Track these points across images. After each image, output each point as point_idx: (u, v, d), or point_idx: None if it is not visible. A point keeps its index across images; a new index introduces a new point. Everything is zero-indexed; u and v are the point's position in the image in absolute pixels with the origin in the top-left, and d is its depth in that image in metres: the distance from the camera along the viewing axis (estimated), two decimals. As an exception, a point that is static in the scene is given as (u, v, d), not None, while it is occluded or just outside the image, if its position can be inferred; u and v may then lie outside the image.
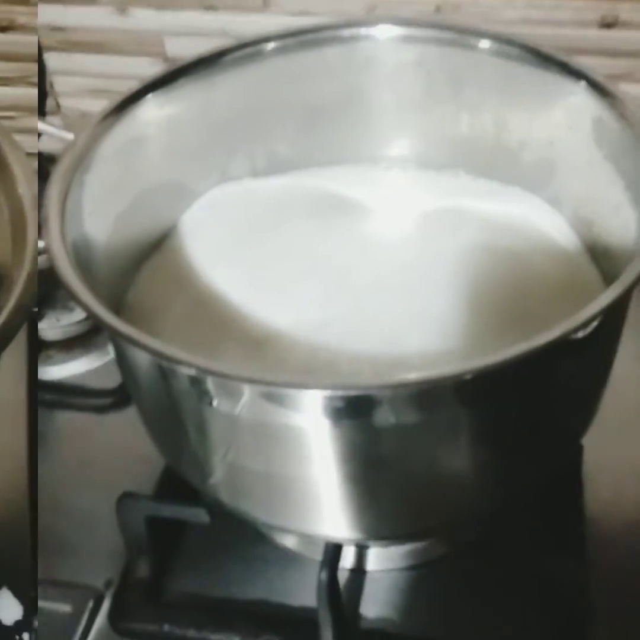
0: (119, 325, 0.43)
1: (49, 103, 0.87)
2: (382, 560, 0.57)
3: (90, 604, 0.57)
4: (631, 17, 0.72)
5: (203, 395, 0.44)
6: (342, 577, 0.56)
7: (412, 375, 0.41)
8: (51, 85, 0.86)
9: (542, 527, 0.57)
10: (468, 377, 0.40)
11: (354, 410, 0.42)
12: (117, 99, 0.56)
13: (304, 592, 0.56)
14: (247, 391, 0.42)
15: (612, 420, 0.59)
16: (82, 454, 0.66)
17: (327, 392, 0.41)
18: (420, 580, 0.57)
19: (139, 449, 0.57)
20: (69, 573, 0.59)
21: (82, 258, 0.49)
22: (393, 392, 0.41)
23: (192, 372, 0.41)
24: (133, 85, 0.58)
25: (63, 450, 0.66)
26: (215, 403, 0.44)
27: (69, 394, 0.69)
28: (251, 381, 0.41)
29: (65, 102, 0.87)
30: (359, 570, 0.58)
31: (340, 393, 0.41)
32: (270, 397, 0.42)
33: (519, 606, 0.55)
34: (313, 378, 0.42)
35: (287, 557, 0.58)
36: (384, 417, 0.43)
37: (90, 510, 0.61)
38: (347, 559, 0.57)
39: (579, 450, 0.59)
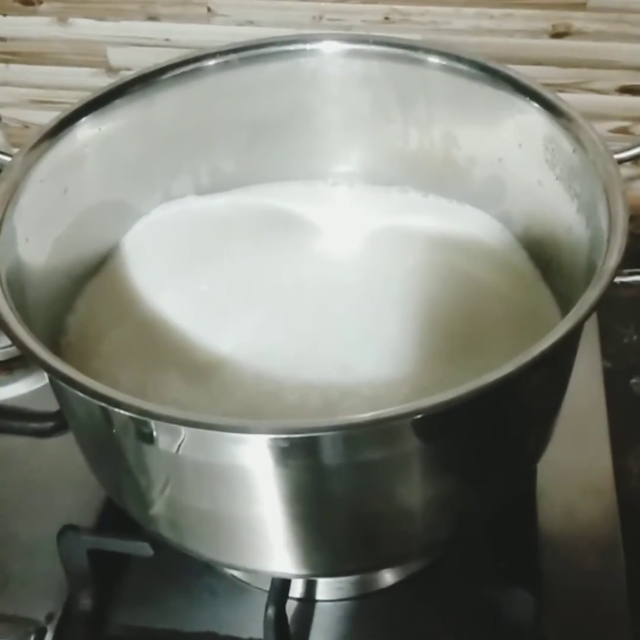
0: (53, 361, 0.41)
1: (-11, 114, 0.85)
2: (331, 589, 0.56)
3: (32, 638, 0.55)
4: (584, 26, 0.71)
5: (142, 434, 0.42)
6: (291, 606, 0.55)
7: (357, 417, 0.39)
8: (-9, 96, 0.84)
9: (494, 554, 0.56)
10: (418, 416, 0.39)
11: (298, 452, 0.41)
12: (52, 120, 0.54)
13: (252, 624, 0.54)
14: (187, 432, 0.40)
15: (565, 438, 0.58)
16: (23, 480, 0.63)
17: (268, 436, 0.39)
18: (370, 610, 0.56)
19: (81, 475, 0.55)
20: (9, 606, 0.57)
21: (17, 286, 0.47)
22: (338, 434, 0.40)
23: (129, 414, 0.39)
24: (78, 98, 0.56)
25: (3, 476, 0.64)
26: (154, 442, 0.42)
27: (9, 417, 0.67)
28: (190, 424, 0.39)
29: (6, 113, 0.85)
30: (308, 600, 0.56)
31: (282, 436, 0.39)
32: (210, 439, 0.41)
33: (470, 636, 0.54)
34: (254, 421, 0.40)
35: (235, 588, 0.57)
36: (329, 456, 0.41)
37: (31, 539, 0.60)
38: (296, 589, 0.56)
39: (532, 471, 0.58)
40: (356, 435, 0.41)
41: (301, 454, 0.41)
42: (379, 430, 0.41)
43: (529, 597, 0.53)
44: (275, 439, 0.40)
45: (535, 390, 0.47)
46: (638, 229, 0.76)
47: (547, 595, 0.55)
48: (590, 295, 0.42)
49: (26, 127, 0.85)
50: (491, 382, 0.40)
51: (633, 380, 0.68)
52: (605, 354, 0.68)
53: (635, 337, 0.71)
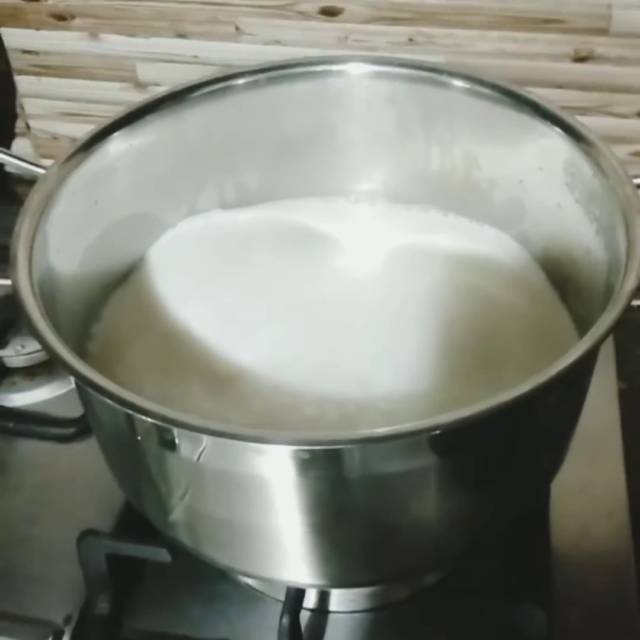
0: (81, 368, 0.43)
1: (19, 125, 0.87)
2: (344, 601, 0.57)
3: (49, 640, 0.56)
4: (606, 51, 0.72)
5: (164, 441, 0.43)
6: (304, 617, 0.56)
7: (377, 430, 0.40)
8: (22, 107, 0.86)
9: (508, 569, 0.57)
10: (436, 432, 0.40)
11: (318, 463, 0.42)
12: (86, 134, 0.55)
13: (266, 632, 0.55)
14: (209, 441, 0.41)
15: (579, 458, 0.59)
16: (43, 485, 0.64)
17: (289, 447, 0.40)
18: (383, 622, 0.56)
19: (101, 480, 0.56)
20: (27, 608, 0.58)
21: (48, 294, 0.49)
22: (359, 447, 0.41)
23: (154, 421, 0.40)
24: (106, 112, 0.57)
25: (24, 480, 0.65)
26: (176, 449, 0.43)
27: (31, 422, 0.68)
28: (214, 433, 0.40)
29: (35, 125, 0.86)
30: (321, 611, 0.57)
31: (303, 448, 0.40)
32: (232, 448, 0.42)
33: (482, 650, 0.55)
34: (275, 432, 0.41)
35: (249, 596, 0.57)
36: (349, 469, 0.42)
37: (51, 543, 0.60)
38: (310, 600, 0.56)
39: (546, 489, 0.59)
40: (375, 448, 0.42)
41: (320, 466, 0.42)
42: (398, 445, 0.42)
43: (541, 613, 0.54)
44: (296, 450, 0.40)
45: (551, 409, 0.48)
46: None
47: (558, 612, 0.55)
48: (608, 317, 0.43)
49: (55, 138, 0.87)
50: (509, 400, 0.40)
51: (649, 401, 0.68)
52: (621, 375, 0.69)
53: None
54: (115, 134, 0.56)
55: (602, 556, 0.59)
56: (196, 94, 0.58)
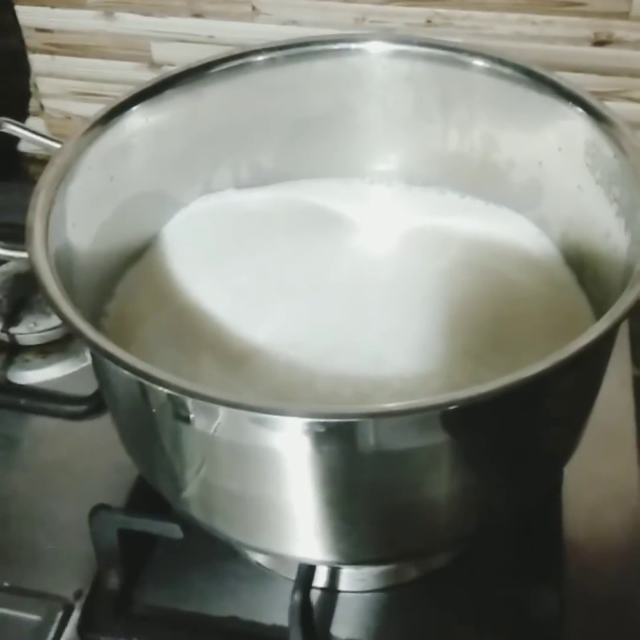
0: (99, 340, 0.43)
1: (33, 104, 0.87)
2: (354, 581, 0.57)
3: (60, 615, 0.56)
4: (625, 35, 0.72)
5: (180, 413, 0.43)
6: (314, 596, 0.56)
7: (393, 405, 0.40)
8: (35, 87, 0.85)
9: (518, 554, 0.56)
10: (452, 407, 0.40)
11: (333, 437, 0.42)
12: (103, 109, 0.55)
13: (276, 611, 0.55)
14: (224, 413, 0.41)
15: (592, 444, 0.59)
16: (56, 461, 0.65)
17: (305, 420, 0.40)
18: (393, 603, 0.56)
19: (113, 457, 0.57)
20: (39, 582, 0.58)
21: (64, 268, 0.48)
22: (374, 421, 0.41)
23: (170, 392, 0.40)
24: (120, 92, 0.57)
25: (36, 457, 0.65)
26: (191, 422, 0.43)
27: (44, 400, 0.68)
28: (229, 404, 0.40)
29: (49, 104, 0.86)
30: (331, 590, 0.57)
31: (318, 420, 0.40)
32: (247, 421, 0.42)
33: (491, 632, 0.55)
34: (291, 403, 0.41)
35: (260, 574, 0.57)
36: (363, 443, 0.42)
37: (62, 519, 0.61)
38: (320, 579, 0.56)
39: (559, 475, 0.59)
40: (389, 423, 0.42)
41: (335, 440, 0.42)
42: (412, 420, 0.42)
43: (551, 596, 0.53)
44: (311, 423, 0.40)
45: (567, 391, 0.47)
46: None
47: (569, 596, 0.55)
48: (627, 298, 0.43)
49: (68, 118, 0.87)
50: (525, 378, 0.40)
51: (663, 389, 0.68)
52: (636, 361, 0.69)
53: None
54: (133, 109, 0.56)
55: (613, 542, 0.59)
56: (214, 70, 0.58)
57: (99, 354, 0.42)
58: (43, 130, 0.87)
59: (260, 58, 0.59)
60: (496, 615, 0.55)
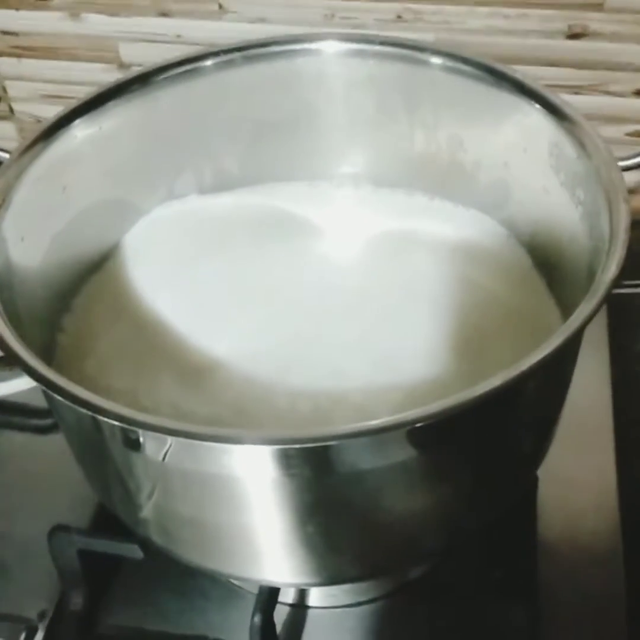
0: (39, 367, 0.41)
1: (2, 108, 0.85)
2: (324, 596, 0.55)
3: (23, 636, 0.55)
4: (600, 28, 0.70)
5: (129, 441, 0.42)
6: (282, 612, 0.55)
7: (341, 428, 0.39)
8: (4, 90, 0.84)
9: (492, 564, 0.56)
10: (406, 428, 0.39)
11: (281, 461, 0.40)
12: (51, 118, 0.54)
13: (244, 628, 0.53)
14: (172, 441, 0.40)
15: (569, 449, 0.57)
16: (20, 477, 0.63)
17: (248, 447, 0.39)
18: (364, 618, 0.55)
19: (78, 473, 0.55)
20: (1, 603, 0.57)
21: (6, 286, 0.47)
22: (321, 445, 0.39)
23: (114, 422, 0.39)
24: (88, 91, 0.56)
25: (1, 472, 0.64)
26: (141, 450, 0.42)
27: (8, 413, 0.67)
28: (173, 433, 0.38)
29: (18, 108, 0.84)
30: (300, 606, 0.56)
31: (264, 448, 0.39)
32: (195, 448, 0.40)
33: (464, 647, 0.54)
34: (235, 430, 0.39)
35: (227, 592, 0.56)
36: (316, 466, 0.41)
37: (26, 537, 0.59)
38: (288, 595, 0.55)
39: (534, 481, 0.57)
40: (341, 446, 0.40)
41: (284, 464, 0.41)
42: (367, 441, 0.40)
43: (526, 608, 0.53)
44: (256, 450, 0.39)
45: (531, 400, 0.46)
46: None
47: (544, 606, 0.54)
48: (585, 309, 0.41)
49: (39, 121, 0.85)
50: (480, 395, 0.39)
51: (643, 390, 0.66)
52: (615, 363, 0.67)
53: (646, 347, 0.70)
54: (82, 118, 0.55)
55: (590, 549, 0.57)
56: (165, 75, 0.57)
57: (38, 382, 0.41)
58: (14, 134, 0.87)
59: (215, 61, 0.58)
60: (471, 626, 0.54)
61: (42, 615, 0.56)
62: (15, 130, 0.86)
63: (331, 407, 0.49)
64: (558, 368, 0.47)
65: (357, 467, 0.42)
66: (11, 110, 0.85)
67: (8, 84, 0.83)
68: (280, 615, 0.54)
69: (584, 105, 0.72)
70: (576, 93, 0.72)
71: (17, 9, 0.78)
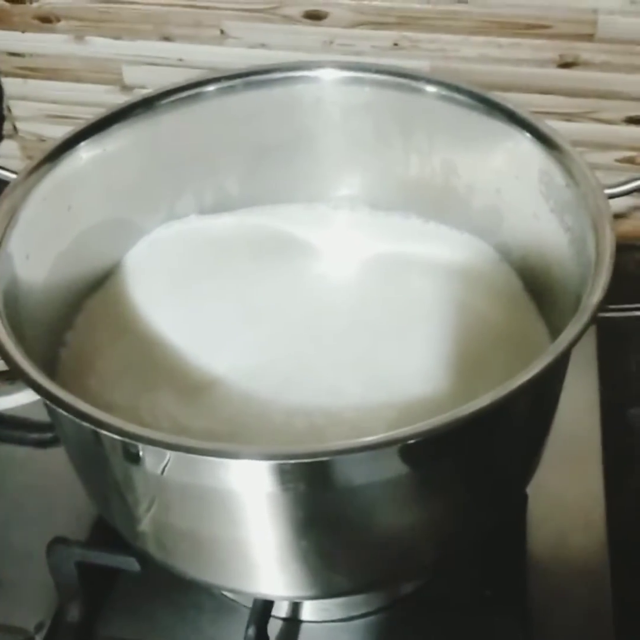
0: (42, 381, 0.42)
1: (7, 127, 0.87)
2: (318, 611, 0.56)
3: (21, 647, 0.56)
4: (591, 57, 0.71)
5: (128, 455, 0.43)
6: (276, 626, 0.56)
7: (335, 444, 0.40)
8: (9, 110, 0.85)
9: (482, 581, 0.56)
10: (397, 445, 0.40)
11: (278, 476, 0.42)
12: (57, 139, 0.55)
13: (238, 641, 0.55)
14: (171, 455, 0.41)
15: (558, 468, 0.58)
16: (20, 490, 0.64)
17: (244, 462, 0.40)
18: (356, 632, 0.56)
19: (77, 485, 0.56)
20: (-1, 614, 0.58)
21: (14, 302, 0.49)
22: (320, 459, 0.40)
23: (114, 436, 0.40)
24: (92, 114, 0.57)
25: (1, 485, 0.65)
26: (140, 463, 0.43)
27: (9, 427, 0.68)
28: (172, 447, 0.40)
29: (22, 127, 0.86)
30: (293, 620, 0.56)
31: (259, 462, 0.40)
32: (194, 462, 0.41)
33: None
34: (231, 445, 0.41)
35: (222, 605, 0.57)
36: (315, 481, 0.42)
37: (25, 548, 0.60)
38: (281, 609, 0.56)
39: (523, 498, 0.58)
40: (337, 461, 0.41)
41: (281, 479, 0.42)
42: (361, 457, 0.42)
43: (516, 623, 0.54)
44: (252, 464, 0.40)
45: (519, 419, 0.47)
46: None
47: (534, 622, 0.55)
48: (571, 331, 0.42)
49: (42, 140, 0.86)
50: (468, 414, 0.40)
51: (631, 411, 0.68)
52: (604, 384, 0.68)
53: (635, 368, 0.71)
54: (88, 139, 0.56)
55: (579, 567, 0.58)
56: (169, 100, 0.58)
57: (41, 396, 0.42)
58: (17, 153, 0.88)
59: (217, 86, 0.59)
60: (461, 641, 0.55)
61: (39, 627, 0.57)
62: (19, 149, 0.88)
63: (326, 425, 0.50)
64: (546, 387, 0.48)
65: (351, 482, 0.43)
66: (15, 129, 0.87)
67: (12, 103, 0.85)
68: (274, 629, 0.55)
69: (576, 132, 0.74)
70: (568, 120, 0.74)
71: (23, 31, 0.80)
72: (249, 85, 0.59)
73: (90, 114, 0.58)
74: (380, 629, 0.56)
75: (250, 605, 0.54)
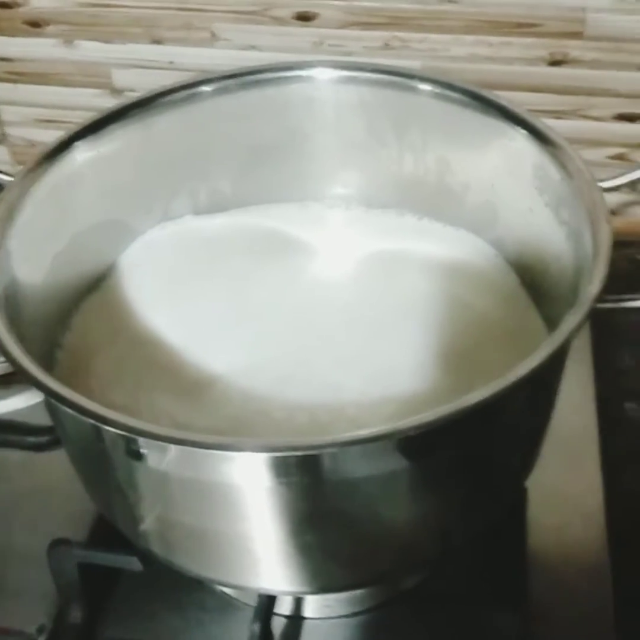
0: (45, 379, 0.42)
1: (-4, 132, 0.87)
2: (320, 607, 0.56)
3: (22, 651, 0.56)
4: (580, 55, 0.72)
5: (130, 451, 0.43)
6: (279, 623, 0.56)
7: (337, 437, 0.40)
8: (-2, 115, 0.85)
9: (483, 575, 0.57)
10: (396, 437, 0.40)
11: (282, 469, 0.42)
12: (51, 142, 0.55)
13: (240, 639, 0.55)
14: (174, 450, 0.41)
15: (556, 462, 0.59)
16: (18, 493, 0.64)
17: (248, 454, 0.40)
18: (359, 628, 0.56)
19: (76, 488, 0.56)
20: (0, 617, 0.57)
21: (14, 302, 0.49)
22: (322, 452, 0.41)
23: (117, 431, 0.40)
24: (83, 118, 0.57)
25: (-1, 489, 0.65)
26: (143, 459, 0.43)
27: (6, 431, 0.67)
28: (176, 441, 0.40)
29: (12, 132, 0.86)
30: (296, 617, 0.57)
31: (260, 454, 0.40)
32: (197, 456, 0.42)
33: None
34: (235, 439, 0.41)
35: (225, 604, 0.57)
36: (315, 474, 0.42)
37: (25, 551, 0.60)
38: (284, 606, 0.56)
39: (523, 493, 0.59)
40: (338, 453, 0.42)
41: (284, 472, 0.42)
42: (361, 449, 0.42)
43: (516, 617, 0.54)
44: (257, 457, 0.40)
45: (517, 413, 0.48)
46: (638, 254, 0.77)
47: (533, 617, 0.55)
48: (570, 323, 0.43)
49: (32, 145, 0.86)
50: (467, 406, 0.40)
51: (627, 405, 0.68)
52: (599, 377, 0.69)
53: (630, 362, 0.71)
54: (82, 141, 0.56)
55: (578, 560, 0.59)
56: (163, 101, 0.58)
57: (45, 393, 0.42)
58: (7, 158, 0.88)
59: (211, 87, 0.59)
60: (463, 635, 0.55)
61: (41, 629, 0.57)
62: (8, 154, 0.88)
63: (327, 419, 0.50)
64: (545, 380, 0.48)
65: (353, 475, 0.43)
66: (5, 134, 0.86)
67: (2, 108, 0.85)
68: (277, 626, 0.55)
69: (566, 129, 0.73)
70: (558, 118, 0.75)
71: (12, 36, 0.80)
72: (242, 86, 0.60)
73: (80, 118, 0.58)
74: (381, 625, 0.57)
75: (252, 603, 0.55)
